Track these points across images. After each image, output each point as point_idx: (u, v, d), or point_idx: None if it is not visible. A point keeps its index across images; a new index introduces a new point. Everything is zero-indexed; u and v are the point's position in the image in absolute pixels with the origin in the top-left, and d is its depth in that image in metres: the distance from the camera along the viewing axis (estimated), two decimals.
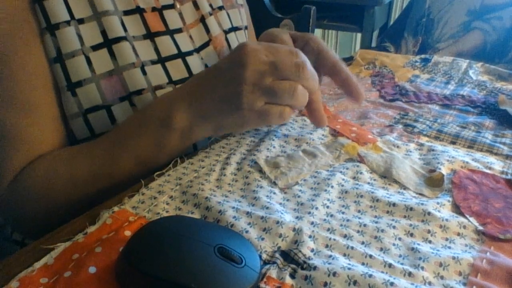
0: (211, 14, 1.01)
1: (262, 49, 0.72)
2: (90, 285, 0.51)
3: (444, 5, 2.83)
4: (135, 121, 0.78)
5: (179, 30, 0.94)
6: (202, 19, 0.99)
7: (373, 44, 2.81)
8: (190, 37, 0.96)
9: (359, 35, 2.75)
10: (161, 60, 0.89)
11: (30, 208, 0.78)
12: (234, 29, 1.07)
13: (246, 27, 1.12)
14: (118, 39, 0.84)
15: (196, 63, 0.94)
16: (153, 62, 0.88)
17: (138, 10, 0.88)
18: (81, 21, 0.81)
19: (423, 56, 1.27)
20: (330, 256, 0.56)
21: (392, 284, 0.51)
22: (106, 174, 0.76)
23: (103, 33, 0.83)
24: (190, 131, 0.75)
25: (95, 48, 0.82)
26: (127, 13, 0.87)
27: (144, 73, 0.86)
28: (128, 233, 0.59)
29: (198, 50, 0.96)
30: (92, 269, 0.53)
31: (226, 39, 1.04)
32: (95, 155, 0.77)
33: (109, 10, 0.84)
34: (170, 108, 0.74)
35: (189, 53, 0.94)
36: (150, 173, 0.73)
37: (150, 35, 0.89)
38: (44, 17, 0.77)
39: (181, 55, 0.93)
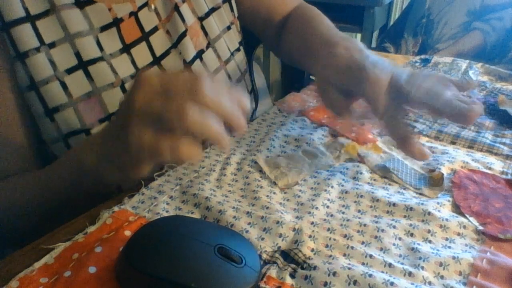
0: (184, 1, 0.95)
1: (158, 74, 0.59)
2: (90, 285, 0.52)
3: (444, 6, 2.83)
4: (62, 159, 0.76)
5: (155, 29, 0.90)
6: (176, 8, 0.93)
7: (373, 45, 2.81)
8: (168, 32, 0.92)
9: (359, 35, 2.74)
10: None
11: None
12: (211, 10, 1.00)
13: (228, 1, 1.05)
14: (94, 60, 0.81)
15: (172, 64, 0.91)
16: (132, 77, 0.85)
17: (115, 22, 0.85)
18: (52, 45, 0.78)
19: (423, 56, 1.27)
20: (330, 256, 0.56)
21: (392, 284, 0.51)
22: (36, 205, 0.75)
23: (77, 55, 0.80)
24: (97, 172, 0.66)
25: (70, 71, 0.79)
26: (104, 28, 0.83)
27: (124, 91, 0.83)
28: (128, 233, 0.59)
29: (175, 44, 0.92)
30: (92, 269, 0.53)
31: (202, 27, 0.98)
32: (27, 188, 0.76)
33: (82, 31, 0.81)
34: (85, 148, 0.70)
35: (166, 54, 0.91)
36: (73, 211, 0.69)
37: (126, 48, 0.86)
38: (12, 45, 0.75)
39: (156, 61, 0.90)
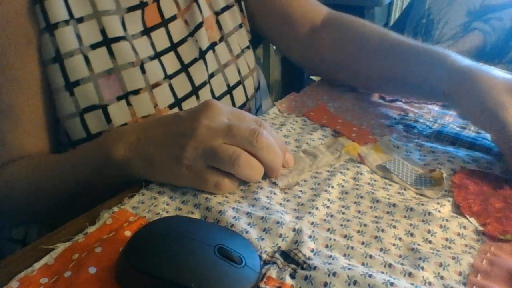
0: None
1: (226, 110, 0.69)
2: (90, 285, 0.51)
3: (444, 6, 2.83)
4: (87, 144, 0.79)
5: (173, 18, 0.94)
6: (196, 0, 0.98)
7: None
8: (186, 21, 0.96)
9: None
10: (157, 55, 0.90)
11: None
12: (226, 8, 1.05)
13: (238, 2, 1.08)
14: (118, 39, 0.84)
15: (187, 52, 0.95)
16: (151, 58, 0.89)
17: (141, 5, 0.89)
18: (80, 20, 0.81)
19: None
20: (330, 256, 0.56)
21: (392, 284, 0.51)
22: (51, 189, 0.77)
23: (102, 32, 0.83)
24: (126, 167, 0.71)
25: (94, 46, 0.82)
26: (130, 9, 0.87)
27: (143, 71, 0.86)
28: (128, 233, 0.59)
29: (192, 33, 0.96)
30: (92, 269, 0.53)
31: (217, 21, 1.02)
32: (47, 169, 0.78)
33: (110, 10, 0.84)
34: (117, 139, 0.72)
35: (183, 41, 0.94)
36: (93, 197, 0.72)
37: (147, 31, 0.89)
38: (43, 17, 0.78)
39: (173, 46, 0.93)
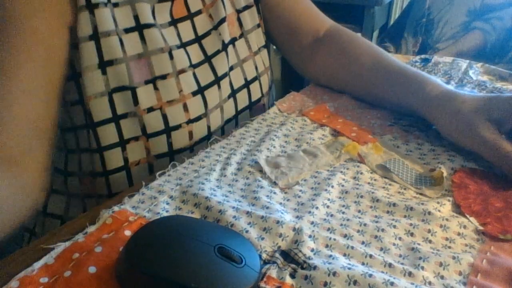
0: None
1: None
2: (90, 285, 0.51)
3: (444, 5, 2.83)
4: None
5: (199, 12, 0.97)
6: None
7: None
8: (210, 15, 0.99)
9: (359, 35, 2.74)
10: (183, 45, 0.93)
11: None
12: (246, 7, 1.08)
13: (257, 1, 1.12)
14: (149, 25, 0.87)
15: (210, 44, 0.98)
16: (178, 47, 0.92)
17: None
18: (116, 4, 0.84)
19: (423, 56, 1.27)
20: (330, 256, 0.56)
21: (392, 284, 0.51)
22: None
23: (136, 17, 0.86)
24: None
25: (127, 31, 0.85)
26: (161, 0, 0.91)
27: (171, 57, 0.89)
28: (128, 233, 0.59)
29: (216, 27, 0.99)
30: (92, 269, 0.53)
31: (238, 19, 1.06)
32: None
33: None
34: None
35: (207, 34, 0.98)
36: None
37: (174, 22, 0.93)
38: None
39: (198, 38, 0.97)
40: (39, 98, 0.77)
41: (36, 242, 0.59)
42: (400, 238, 0.60)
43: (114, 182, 0.91)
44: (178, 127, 0.90)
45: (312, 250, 0.57)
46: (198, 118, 0.93)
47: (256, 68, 1.09)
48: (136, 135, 0.88)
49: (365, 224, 0.63)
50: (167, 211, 0.65)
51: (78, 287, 0.51)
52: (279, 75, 3.18)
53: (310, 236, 0.59)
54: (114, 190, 0.91)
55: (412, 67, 0.96)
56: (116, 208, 0.64)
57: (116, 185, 0.91)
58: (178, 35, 0.93)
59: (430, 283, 0.53)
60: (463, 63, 1.19)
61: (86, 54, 0.82)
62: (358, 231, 0.62)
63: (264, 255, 0.57)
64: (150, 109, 0.87)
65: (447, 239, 0.61)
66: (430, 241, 0.60)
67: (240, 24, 1.07)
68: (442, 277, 0.54)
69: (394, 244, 0.59)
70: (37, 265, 0.54)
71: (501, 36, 2.73)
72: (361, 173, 0.74)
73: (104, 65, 0.83)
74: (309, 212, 0.64)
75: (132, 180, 0.91)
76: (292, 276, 0.54)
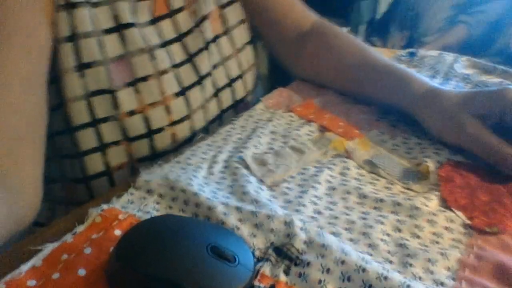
0: None
1: None
2: None
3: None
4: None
5: (180, 9, 0.95)
6: None
7: (360, 39, 2.81)
8: (192, 12, 0.96)
9: (345, 29, 2.74)
10: (164, 45, 0.90)
11: None
12: (229, 3, 1.06)
13: None
14: (129, 25, 0.85)
15: (193, 42, 0.96)
16: (159, 47, 0.89)
17: None
18: (95, 4, 0.82)
19: (409, 50, 1.27)
20: (323, 245, 0.56)
21: (386, 278, 0.51)
22: None
23: (115, 18, 0.84)
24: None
25: (107, 32, 0.83)
26: None
27: (153, 58, 0.87)
28: (118, 232, 0.59)
29: (198, 24, 0.97)
30: (81, 272, 0.53)
31: (221, 15, 1.03)
32: None
33: None
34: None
35: (189, 32, 0.95)
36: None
37: (154, 21, 0.90)
38: None
39: (179, 38, 0.94)
40: (33, 93, 0.75)
41: (23, 243, 0.58)
42: (388, 234, 0.60)
43: (96, 188, 0.88)
44: (160, 130, 0.88)
45: (305, 242, 0.57)
46: (181, 120, 0.91)
47: (240, 66, 1.07)
48: (117, 139, 0.86)
49: (352, 222, 0.63)
50: (157, 210, 0.64)
51: None
52: (266, 70, 3.18)
53: (301, 229, 0.59)
54: (96, 196, 0.87)
55: (398, 64, 0.96)
56: (105, 206, 0.63)
57: (99, 191, 0.88)
58: (159, 34, 0.91)
59: (420, 278, 0.53)
60: (449, 57, 1.19)
61: (64, 56, 0.79)
62: (346, 229, 0.62)
63: (257, 252, 0.57)
64: (132, 113, 0.85)
65: (434, 234, 0.61)
66: (418, 237, 0.61)
67: (223, 21, 1.04)
68: (431, 273, 0.54)
69: (382, 240, 0.59)
70: (25, 267, 0.53)
71: (485, 29, 2.75)
72: (348, 169, 0.74)
73: (82, 67, 0.80)
74: (297, 210, 0.64)
75: (115, 185, 0.88)
76: (286, 273, 0.54)
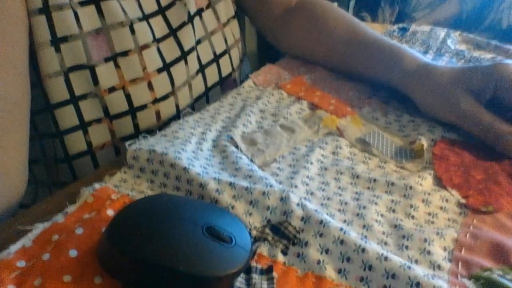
0: None
1: None
2: (71, 269, 0.50)
3: None
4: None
5: None
6: None
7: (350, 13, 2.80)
8: None
9: (335, 4, 2.73)
10: (145, 17, 0.87)
11: None
12: None
13: None
14: None
15: (175, 16, 0.92)
16: (139, 20, 0.85)
17: None
18: None
19: (401, 25, 1.26)
20: (321, 222, 0.55)
21: (386, 258, 0.50)
22: None
23: None
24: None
25: (83, 4, 0.79)
26: None
27: (133, 32, 0.84)
28: (110, 212, 0.57)
29: None
30: (73, 252, 0.51)
31: None
32: None
33: None
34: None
35: (171, 5, 0.92)
36: None
37: None
38: None
39: (161, 10, 0.90)
40: (16, 74, 0.73)
41: (11, 221, 0.57)
42: (382, 215, 0.59)
43: (79, 167, 0.86)
44: (143, 107, 0.86)
45: (302, 218, 0.56)
46: (165, 97, 0.89)
47: (226, 41, 1.04)
48: (98, 117, 0.83)
49: (346, 203, 0.61)
50: (151, 190, 0.63)
51: (58, 272, 0.49)
52: (255, 46, 3.16)
53: (298, 205, 0.57)
54: (79, 176, 0.86)
55: (388, 39, 0.94)
56: (97, 186, 0.61)
57: (82, 171, 0.86)
58: (140, 6, 0.86)
59: (417, 261, 0.53)
60: (441, 32, 1.18)
61: (37, 30, 0.76)
62: (339, 210, 0.60)
63: (254, 232, 0.56)
64: (112, 89, 0.82)
65: (429, 214, 0.60)
66: (412, 217, 0.60)
67: None
68: (428, 253, 0.54)
69: (376, 221, 0.58)
70: (14, 248, 0.51)
71: (477, 4, 2.73)
72: (340, 148, 0.73)
73: (57, 41, 0.77)
74: (288, 191, 0.63)
75: (98, 165, 0.86)
76: (284, 253, 0.53)
